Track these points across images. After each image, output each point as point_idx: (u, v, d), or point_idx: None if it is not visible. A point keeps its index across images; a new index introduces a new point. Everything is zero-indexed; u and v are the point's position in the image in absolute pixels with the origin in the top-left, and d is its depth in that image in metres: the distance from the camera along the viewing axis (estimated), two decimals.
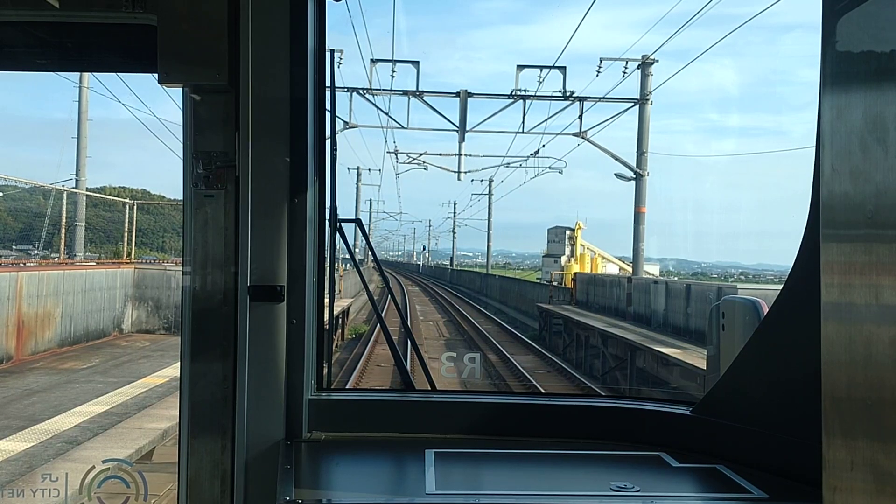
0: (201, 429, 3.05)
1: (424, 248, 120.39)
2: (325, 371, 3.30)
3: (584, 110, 29.98)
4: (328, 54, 3.20)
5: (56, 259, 29.34)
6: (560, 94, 29.30)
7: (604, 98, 30.14)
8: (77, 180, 29.62)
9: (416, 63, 29.59)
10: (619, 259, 44.89)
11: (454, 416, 3.22)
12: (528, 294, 43.12)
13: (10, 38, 3.27)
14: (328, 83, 3.21)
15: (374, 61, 28.86)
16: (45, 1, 2.91)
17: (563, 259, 44.69)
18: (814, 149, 2.49)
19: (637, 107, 30.60)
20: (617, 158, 31.13)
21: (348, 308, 30.14)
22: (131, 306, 23.12)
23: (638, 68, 29.95)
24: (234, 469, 2.94)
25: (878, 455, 1.59)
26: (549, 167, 37.72)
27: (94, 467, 4.16)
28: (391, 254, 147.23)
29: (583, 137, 30.73)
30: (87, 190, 32.10)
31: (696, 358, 18.09)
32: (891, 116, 1.57)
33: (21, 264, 26.10)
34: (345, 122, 29.81)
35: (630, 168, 30.79)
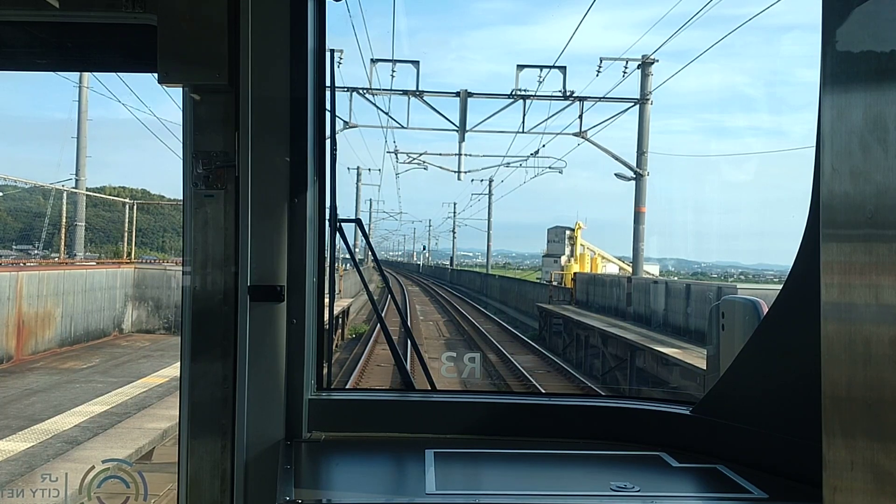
0: (201, 429, 3.05)
1: (424, 248, 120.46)
2: (325, 371, 3.30)
3: (584, 110, 30.00)
4: (328, 54, 3.20)
5: (56, 259, 29.34)
6: (560, 94, 29.30)
7: (604, 98, 30.14)
8: (77, 180, 29.63)
9: (416, 63, 29.59)
10: (619, 259, 44.87)
11: (454, 416, 3.22)
12: (528, 294, 43.11)
13: (10, 38, 3.27)
14: (328, 83, 3.21)
15: (374, 61, 28.86)
16: (45, 1, 2.91)
17: (563, 259, 44.66)
18: (814, 149, 2.49)
19: (637, 107, 30.60)
20: (617, 158, 31.14)
21: (348, 308, 30.13)
22: (131, 306, 23.12)
23: (638, 68, 29.95)
24: (234, 469, 2.94)
25: (878, 455, 1.59)
26: (549, 167, 37.72)
27: (93, 467, 4.17)
28: (391, 254, 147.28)
29: (583, 137, 30.72)
30: (87, 190, 32.11)
31: (695, 358, 18.08)
32: (891, 116, 1.57)
33: (21, 264, 26.10)
34: (345, 122, 29.81)
35: (630, 168, 30.78)
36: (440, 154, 39.26)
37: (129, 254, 29.79)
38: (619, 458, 3.02)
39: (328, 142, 3.26)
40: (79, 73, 26.68)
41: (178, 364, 3.14)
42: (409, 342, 6.75)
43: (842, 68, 1.79)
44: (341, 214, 3.33)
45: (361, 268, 7.15)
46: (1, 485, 8.32)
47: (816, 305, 1.80)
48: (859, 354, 1.65)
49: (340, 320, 27.06)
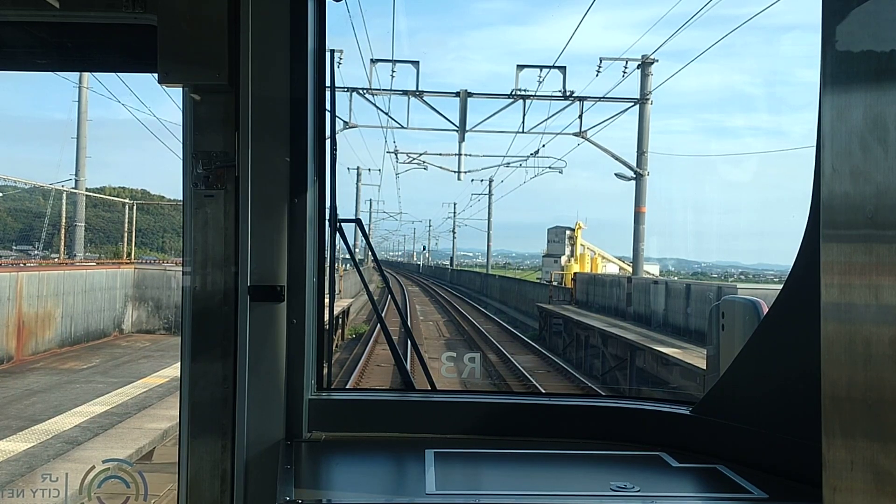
0: (201, 429, 3.05)
1: (424, 248, 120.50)
2: (325, 371, 3.30)
3: (584, 110, 30.01)
4: (328, 54, 3.20)
5: (56, 259, 29.34)
6: (560, 94, 29.30)
7: (604, 98, 30.14)
8: (77, 180, 29.62)
9: (415, 63, 29.59)
10: (619, 259, 44.88)
11: (454, 416, 3.22)
12: (528, 294, 43.11)
13: (10, 38, 3.27)
14: (328, 83, 3.21)
15: (373, 61, 28.87)
16: (45, 1, 2.91)
17: (563, 259, 44.69)
18: (814, 149, 2.49)
19: (637, 107, 30.60)
20: (617, 158, 31.14)
21: (348, 308, 30.13)
22: (131, 306, 23.11)
23: (638, 68, 29.95)
24: (234, 469, 2.94)
25: (878, 455, 1.59)
26: (549, 167, 37.72)
27: (94, 467, 4.17)
28: (391, 254, 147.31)
29: (583, 137, 30.73)
30: (87, 190, 32.10)
31: (696, 358, 18.08)
32: (891, 116, 1.57)
33: (21, 264, 26.10)
34: (345, 122, 29.80)
35: (630, 168, 30.79)
36: (440, 154, 39.30)
37: (129, 254, 29.79)
38: (619, 458, 3.01)
39: (328, 142, 3.26)
40: (79, 73, 26.69)
41: (179, 364, 3.14)
42: (409, 342, 6.76)
43: (842, 68, 1.79)
44: (341, 214, 3.33)
45: (361, 268, 7.16)
46: (1, 485, 8.32)
47: (816, 305, 1.79)
48: (859, 354, 1.64)
49: (340, 320, 27.06)
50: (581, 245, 44.90)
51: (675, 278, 37.48)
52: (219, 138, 3.02)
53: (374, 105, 30.13)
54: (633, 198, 30.88)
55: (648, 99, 30.36)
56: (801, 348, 2.56)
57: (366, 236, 3.80)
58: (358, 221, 3.66)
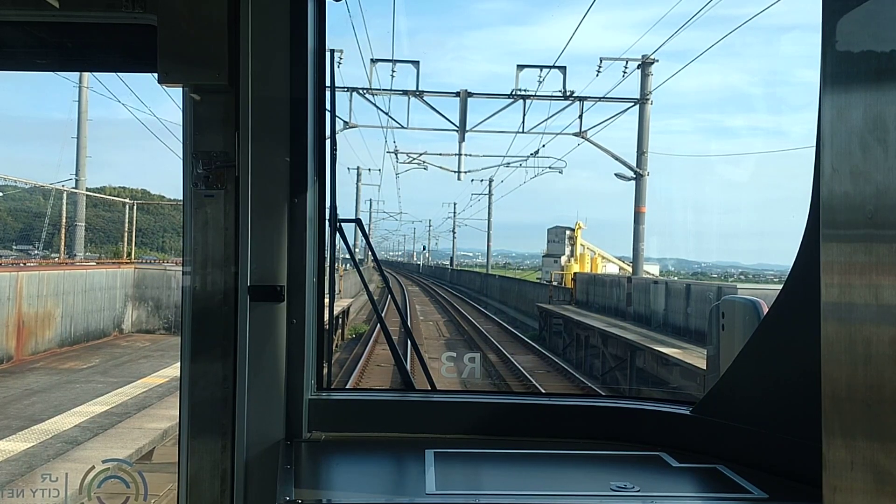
0: (201, 429, 3.05)
1: (424, 248, 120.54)
2: (325, 371, 3.30)
3: (584, 110, 30.02)
4: (328, 54, 3.20)
5: (56, 259, 29.35)
6: (560, 94, 29.31)
7: (604, 98, 30.15)
8: (77, 180, 29.63)
9: (416, 63, 29.62)
10: (619, 259, 44.87)
11: (454, 416, 3.22)
12: (528, 294, 43.11)
13: (10, 38, 3.27)
14: (328, 83, 3.21)
15: (374, 61, 28.88)
16: (45, 1, 2.91)
17: (563, 259, 44.67)
18: (814, 149, 2.49)
19: (637, 107, 30.60)
20: (617, 158, 31.15)
21: (348, 308, 30.13)
22: (131, 306, 23.12)
23: (638, 68, 29.95)
24: (234, 469, 2.94)
25: (878, 455, 1.59)
26: (549, 167, 37.74)
27: (94, 467, 4.17)
28: (391, 254, 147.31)
29: (583, 137, 30.73)
30: (87, 190, 32.11)
31: (696, 358, 18.08)
32: (891, 116, 1.57)
33: (21, 264, 26.10)
34: (345, 122, 29.80)
35: (630, 168, 30.79)
36: (440, 154, 39.32)
37: (129, 254, 29.79)
38: (619, 458, 3.02)
39: (328, 142, 3.26)
40: (79, 73, 26.71)
41: (178, 364, 3.14)
42: (409, 342, 6.76)
43: (842, 68, 1.79)
44: (341, 214, 3.33)
45: (361, 268, 7.15)
46: (1, 485, 8.32)
47: (816, 305, 1.80)
48: (859, 354, 1.65)
49: (340, 320, 27.06)
50: (581, 245, 44.88)
51: (675, 278, 37.48)
52: (219, 138, 3.02)
53: (374, 105, 30.19)
54: (633, 198, 30.89)
55: (648, 99, 30.36)
56: (801, 348, 2.56)
57: (366, 236, 3.80)
58: (358, 221, 3.67)
